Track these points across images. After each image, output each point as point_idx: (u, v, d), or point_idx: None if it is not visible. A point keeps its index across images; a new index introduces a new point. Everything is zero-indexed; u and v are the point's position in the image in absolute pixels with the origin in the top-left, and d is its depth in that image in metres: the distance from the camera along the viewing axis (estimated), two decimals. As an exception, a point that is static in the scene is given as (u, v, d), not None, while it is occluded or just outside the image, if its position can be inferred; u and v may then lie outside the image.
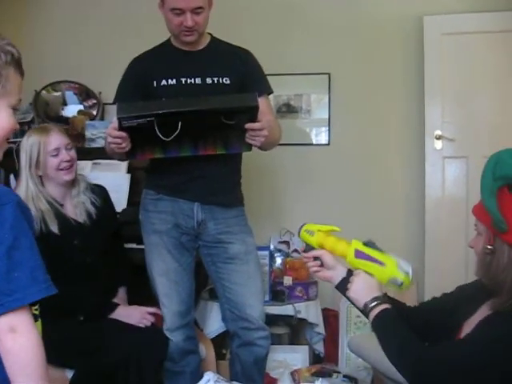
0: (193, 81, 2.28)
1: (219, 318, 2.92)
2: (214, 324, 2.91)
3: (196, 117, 2.02)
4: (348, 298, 1.59)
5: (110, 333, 2.23)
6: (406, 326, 1.49)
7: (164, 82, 2.28)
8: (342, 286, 1.62)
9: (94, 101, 3.74)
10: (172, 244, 2.32)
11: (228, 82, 2.29)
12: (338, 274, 1.66)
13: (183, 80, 2.28)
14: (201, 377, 2.33)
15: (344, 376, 2.87)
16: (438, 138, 3.47)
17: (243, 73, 2.30)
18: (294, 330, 3.27)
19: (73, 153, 2.41)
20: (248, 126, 2.06)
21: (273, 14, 3.71)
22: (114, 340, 2.19)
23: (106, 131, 2.25)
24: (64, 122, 3.57)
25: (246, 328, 2.36)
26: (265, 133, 2.09)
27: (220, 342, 3.00)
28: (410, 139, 3.61)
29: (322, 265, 1.68)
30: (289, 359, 3.03)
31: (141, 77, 2.32)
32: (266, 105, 2.32)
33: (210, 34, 2.40)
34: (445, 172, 3.50)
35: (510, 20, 3.36)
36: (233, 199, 2.37)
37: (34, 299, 1.10)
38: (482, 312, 1.49)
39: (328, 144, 3.69)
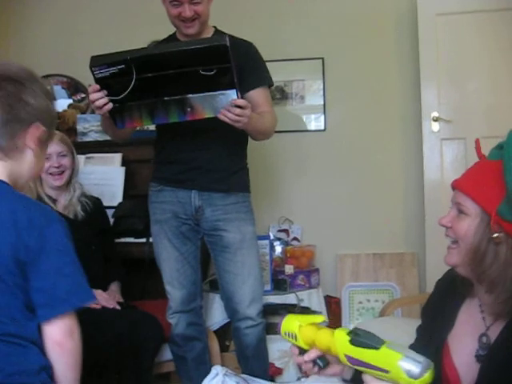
0: None
1: (221, 310, 2.90)
2: (216, 316, 2.88)
3: (173, 70, 1.95)
4: None
5: (100, 322, 2.22)
6: None
7: None
8: (358, 378, 1.18)
9: (83, 95, 3.68)
10: (172, 233, 2.33)
11: None
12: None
13: None
14: (207, 366, 2.34)
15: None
16: (435, 119, 3.44)
17: (242, 65, 2.26)
18: (297, 319, 3.25)
19: (65, 161, 2.56)
20: (232, 101, 1.99)
21: (264, -1, 3.66)
22: (105, 328, 2.21)
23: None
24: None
25: (234, 316, 2.40)
26: (246, 112, 2.02)
27: (223, 333, 2.97)
28: (407, 122, 3.58)
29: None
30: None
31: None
32: (262, 96, 2.32)
33: (214, 27, 2.40)
34: (443, 154, 3.47)
35: (504, -1, 3.33)
36: (233, 185, 2.34)
37: (91, 301, 1.31)
38: (464, 316, 1.31)
39: (324, 130, 3.66)
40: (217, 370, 1.68)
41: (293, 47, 3.60)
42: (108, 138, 3.29)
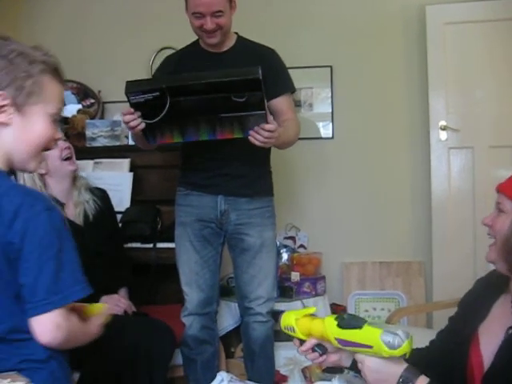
0: None
1: (228, 315, 2.91)
2: (223, 322, 2.89)
3: (205, 95, 2.02)
4: None
5: (114, 330, 2.20)
6: None
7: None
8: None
9: (93, 100, 3.70)
10: (194, 236, 2.39)
11: None
12: (346, 354, 1.41)
13: None
14: (215, 371, 2.34)
15: (355, 371, 2.84)
16: (443, 128, 3.44)
17: (266, 72, 2.30)
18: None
19: (69, 143, 2.51)
20: (260, 126, 2.06)
21: (274, 6, 3.67)
22: (119, 338, 2.15)
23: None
24: (63, 121, 3.53)
25: (245, 312, 2.47)
26: (275, 135, 2.10)
27: (229, 340, 2.97)
28: (415, 130, 3.57)
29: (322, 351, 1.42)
30: (299, 356, 2.98)
31: (169, 74, 2.37)
32: (286, 103, 2.41)
33: (236, 33, 2.45)
34: (450, 163, 3.47)
35: (512, 8, 3.33)
36: (258, 190, 2.41)
37: (77, 297, 1.23)
38: (498, 310, 1.40)
39: (332, 137, 3.66)
40: (222, 376, 1.67)
41: (301, 55, 3.61)
42: (116, 143, 3.35)
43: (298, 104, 3.67)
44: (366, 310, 3.46)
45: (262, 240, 2.39)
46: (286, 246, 3.36)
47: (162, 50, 3.53)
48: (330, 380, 1.54)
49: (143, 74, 3.55)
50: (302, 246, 3.58)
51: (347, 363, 1.41)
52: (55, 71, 1.28)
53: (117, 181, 3.13)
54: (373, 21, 3.57)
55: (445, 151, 3.47)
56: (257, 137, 2.07)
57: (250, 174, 2.38)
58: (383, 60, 3.59)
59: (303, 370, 2.85)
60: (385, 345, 1.18)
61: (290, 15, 3.65)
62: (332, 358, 1.40)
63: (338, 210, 3.63)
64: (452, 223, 3.43)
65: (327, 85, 3.64)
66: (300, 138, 3.55)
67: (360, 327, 1.23)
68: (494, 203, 1.43)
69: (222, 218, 2.38)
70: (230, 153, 2.32)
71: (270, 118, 2.10)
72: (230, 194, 2.37)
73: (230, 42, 2.40)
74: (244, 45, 2.42)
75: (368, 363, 1.26)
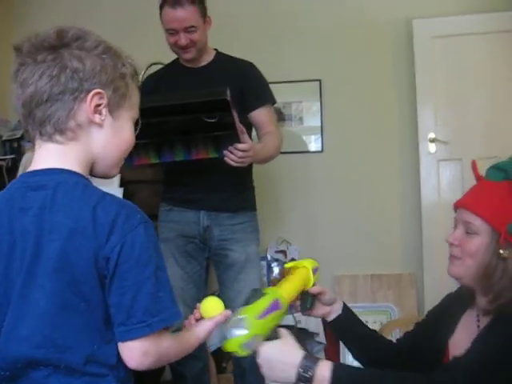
0: None
1: (219, 331, 2.88)
2: (212, 337, 2.86)
3: (177, 116, 2.04)
4: None
5: None
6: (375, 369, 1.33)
7: None
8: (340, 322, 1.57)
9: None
10: (178, 251, 2.39)
11: None
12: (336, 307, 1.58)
13: None
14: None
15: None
16: (432, 140, 3.46)
17: (243, 86, 2.34)
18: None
19: None
20: (234, 146, 2.09)
21: (262, 21, 3.70)
22: None
23: None
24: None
25: None
26: (249, 153, 2.11)
27: (220, 355, 2.95)
28: (404, 143, 3.60)
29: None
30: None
31: (149, 93, 2.36)
32: (267, 115, 2.41)
33: (215, 49, 2.47)
34: (439, 175, 3.49)
35: (499, 21, 3.37)
36: (240, 205, 2.41)
37: (176, 319, 1.07)
38: (465, 324, 1.41)
39: (321, 151, 3.67)
40: (212, 391, 1.67)
41: (290, 69, 3.63)
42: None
43: (288, 118, 3.69)
44: (358, 323, 3.45)
45: (246, 255, 2.38)
46: (277, 260, 3.36)
47: (151, 65, 3.53)
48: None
49: (133, 89, 3.55)
50: (293, 259, 3.57)
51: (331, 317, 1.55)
52: (137, 76, 1.20)
53: (107, 196, 3.12)
54: (361, 35, 3.61)
55: (434, 163, 3.49)
56: (231, 157, 2.09)
57: (231, 188, 2.38)
58: (372, 73, 3.61)
59: (295, 385, 2.83)
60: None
61: (279, 29, 3.67)
62: (320, 311, 1.55)
63: (329, 223, 3.64)
64: (442, 235, 3.35)
65: (316, 99, 3.66)
66: (289, 152, 3.61)
67: (263, 295, 1.28)
68: (454, 218, 1.39)
69: (205, 234, 2.39)
70: (211, 165, 2.32)
71: (245, 137, 2.11)
72: (211, 209, 2.37)
73: (208, 57, 2.43)
74: (222, 59, 2.44)
75: (263, 353, 1.24)
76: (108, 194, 1.07)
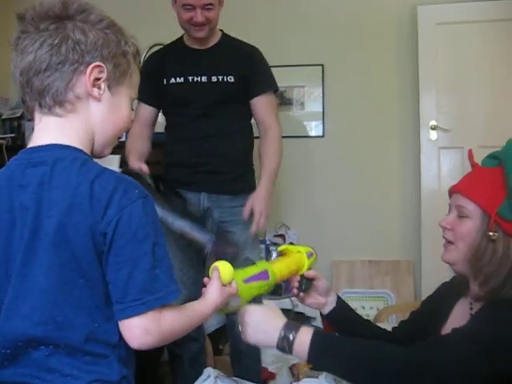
0: (199, 79, 2.36)
1: (215, 313, 2.90)
2: (211, 319, 2.87)
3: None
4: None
5: None
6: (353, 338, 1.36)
7: (173, 80, 2.38)
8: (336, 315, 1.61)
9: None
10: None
11: (232, 80, 2.35)
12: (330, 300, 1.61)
13: (190, 78, 2.36)
14: (202, 367, 2.34)
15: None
16: (433, 128, 3.45)
17: (247, 71, 2.34)
18: (292, 324, 3.24)
19: None
20: (245, 215, 2.28)
21: (264, 4, 3.67)
22: None
23: None
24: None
25: None
26: (263, 214, 2.29)
27: (217, 337, 2.97)
28: (405, 130, 3.59)
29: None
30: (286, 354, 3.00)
31: (152, 74, 2.38)
32: (266, 104, 2.40)
33: (221, 30, 2.45)
34: (440, 163, 3.49)
35: (503, 9, 3.35)
36: (240, 188, 2.42)
37: (174, 298, 1.04)
38: (458, 312, 1.43)
39: (323, 136, 3.67)
40: (209, 372, 1.66)
41: (293, 53, 3.62)
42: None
43: (289, 102, 3.67)
44: (355, 309, 3.46)
45: (245, 237, 2.39)
46: (275, 244, 3.37)
47: (153, 46, 3.51)
48: (316, 377, 1.55)
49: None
50: (291, 243, 3.58)
51: (326, 311, 1.58)
52: (139, 56, 1.18)
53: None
54: (365, 20, 3.58)
55: (435, 151, 3.49)
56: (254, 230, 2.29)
57: (232, 171, 2.39)
58: (375, 59, 3.60)
59: (291, 368, 2.85)
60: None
61: (282, 14, 3.65)
62: (315, 300, 1.59)
63: (328, 209, 3.64)
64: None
65: (319, 84, 3.65)
66: (290, 137, 3.60)
67: (254, 263, 1.36)
68: (448, 203, 1.42)
69: (205, 215, 2.39)
70: (213, 148, 2.34)
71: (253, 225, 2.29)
72: (212, 192, 2.38)
73: (215, 39, 2.41)
74: (228, 42, 2.43)
75: (250, 312, 1.31)
76: (107, 169, 1.04)
